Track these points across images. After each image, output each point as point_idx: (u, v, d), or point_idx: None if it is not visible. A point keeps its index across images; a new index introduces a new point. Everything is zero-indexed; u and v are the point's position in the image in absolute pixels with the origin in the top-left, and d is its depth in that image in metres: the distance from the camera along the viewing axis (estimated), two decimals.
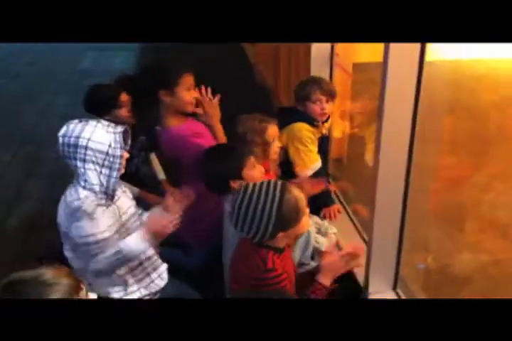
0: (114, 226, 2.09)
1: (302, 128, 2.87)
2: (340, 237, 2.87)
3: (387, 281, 2.50)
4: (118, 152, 2.01)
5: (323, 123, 2.95)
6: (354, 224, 3.06)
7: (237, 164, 2.31)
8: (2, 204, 3.56)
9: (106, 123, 2.04)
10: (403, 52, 1.96)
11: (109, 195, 2.07)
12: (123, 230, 2.14)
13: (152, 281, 2.27)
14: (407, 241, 2.41)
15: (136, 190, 2.76)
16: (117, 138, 2.01)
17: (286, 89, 4.20)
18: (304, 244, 2.59)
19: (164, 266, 2.32)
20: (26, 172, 4.01)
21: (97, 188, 2.01)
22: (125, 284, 2.20)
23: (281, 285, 1.90)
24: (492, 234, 2.92)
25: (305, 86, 2.90)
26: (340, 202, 3.23)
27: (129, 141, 2.11)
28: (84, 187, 2.00)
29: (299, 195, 1.91)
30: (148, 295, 2.26)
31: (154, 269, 2.28)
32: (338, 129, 3.46)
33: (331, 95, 2.87)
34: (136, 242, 2.06)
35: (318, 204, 2.94)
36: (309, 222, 2.08)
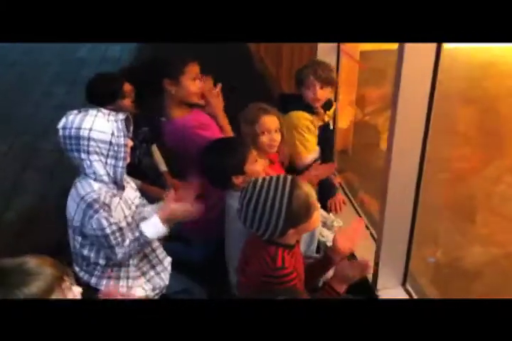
0: (129, 216, 2.08)
1: (300, 116, 2.79)
2: None
3: (396, 277, 2.45)
4: (122, 140, 1.96)
5: (325, 110, 2.85)
6: (360, 217, 2.99)
7: (238, 159, 2.25)
8: None
9: (106, 111, 1.99)
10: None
11: (119, 185, 2.04)
12: (133, 221, 2.11)
13: (157, 274, 2.24)
14: (416, 235, 2.35)
15: (138, 182, 2.70)
16: (120, 126, 1.96)
17: (289, 78, 4.11)
18: (309, 238, 2.53)
19: (169, 260, 2.30)
20: (23, 164, 3.91)
21: (106, 179, 1.98)
22: (131, 277, 2.17)
23: (291, 284, 1.85)
24: (503, 226, 2.87)
25: (302, 70, 2.80)
26: (346, 195, 3.17)
27: (131, 128, 2.06)
28: (95, 179, 1.97)
29: (309, 190, 1.85)
30: (153, 290, 2.23)
31: (160, 261, 2.25)
32: (344, 119, 3.38)
33: (326, 81, 2.74)
34: (155, 225, 2.05)
35: (322, 194, 2.85)
36: (319, 218, 2.02)
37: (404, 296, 2.41)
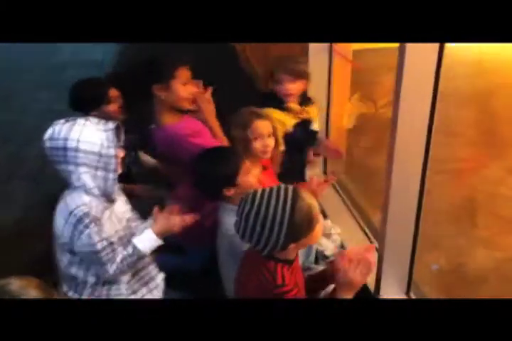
0: (120, 230, 1.99)
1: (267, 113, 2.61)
2: (344, 238, 2.72)
3: (399, 285, 2.36)
4: (112, 151, 1.87)
5: (302, 106, 2.72)
6: (358, 223, 2.91)
7: (230, 170, 2.13)
8: None
9: (95, 120, 1.89)
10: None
11: (110, 198, 1.95)
12: (124, 235, 2.03)
13: (150, 291, 2.16)
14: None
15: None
16: (110, 136, 1.87)
17: None
18: (307, 248, 2.46)
19: (161, 276, 2.21)
20: (7, 173, 3.79)
21: (96, 192, 1.89)
22: (122, 295, 2.08)
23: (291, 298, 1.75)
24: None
25: (273, 65, 2.70)
26: (342, 199, 3.08)
27: (122, 138, 1.96)
28: (85, 192, 1.88)
29: (311, 202, 1.74)
30: None
31: (152, 278, 2.17)
32: (337, 120, 3.28)
33: (296, 74, 2.61)
34: (150, 239, 1.99)
35: (302, 145, 2.72)
36: (321, 230, 1.91)
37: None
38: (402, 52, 1.84)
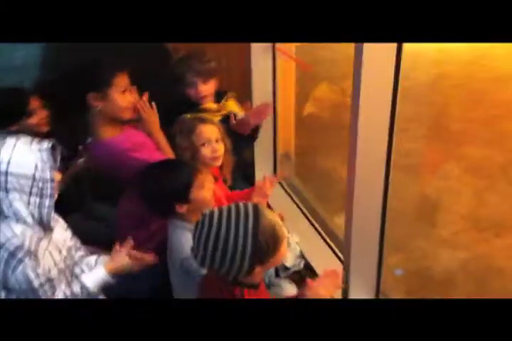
0: (60, 262, 1.79)
1: None
2: (303, 247, 2.58)
3: (367, 293, 2.26)
4: (47, 174, 1.67)
5: (219, 102, 2.59)
6: (316, 229, 2.78)
7: (181, 185, 1.96)
8: None
9: (28, 139, 1.69)
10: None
11: (45, 227, 1.74)
12: (65, 267, 1.83)
13: None
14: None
15: None
16: (44, 157, 1.67)
17: None
18: None
19: None
20: None
21: (29, 221, 1.69)
22: None
23: None
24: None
25: (176, 67, 2.54)
26: (297, 205, 2.95)
27: (59, 158, 1.76)
28: (17, 221, 1.68)
29: (275, 219, 1.60)
30: None
31: None
32: (284, 119, 3.15)
33: (207, 74, 2.49)
34: (102, 278, 1.85)
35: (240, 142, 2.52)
36: (287, 248, 1.77)
37: None
38: (358, 52, 1.76)
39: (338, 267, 2.26)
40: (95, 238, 2.22)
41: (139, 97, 2.22)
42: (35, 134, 1.78)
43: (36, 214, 1.68)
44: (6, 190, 1.63)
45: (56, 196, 1.74)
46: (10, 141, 1.66)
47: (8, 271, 1.66)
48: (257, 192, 2.20)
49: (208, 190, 2.00)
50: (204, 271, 1.76)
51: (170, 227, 2.04)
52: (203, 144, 2.21)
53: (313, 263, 2.53)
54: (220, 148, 2.24)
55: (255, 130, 2.59)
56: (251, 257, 1.52)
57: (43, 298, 1.70)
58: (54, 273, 1.74)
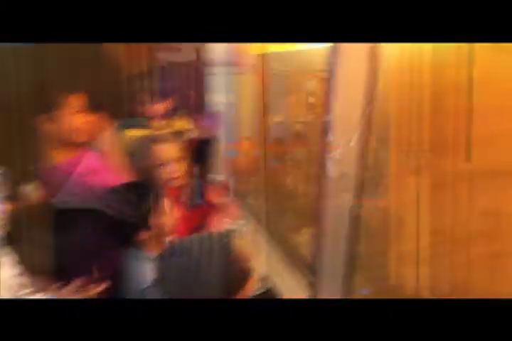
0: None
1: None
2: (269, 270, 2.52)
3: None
4: None
5: (169, 118, 2.60)
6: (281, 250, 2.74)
7: (142, 211, 1.88)
8: None
9: None
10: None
11: None
12: None
13: None
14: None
15: None
16: None
17: None
18: None
19: None
20: None
21: None
22: None
23: None
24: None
25: (130, 84, 2.55)
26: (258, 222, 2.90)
27: (7, 187, 1.72)
28: None
29: (244, 248, 1.53)
30: None
31: None
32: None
33: (162, 93, 2.54)
34: None
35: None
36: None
37: None
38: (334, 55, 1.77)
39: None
40: (43, 268, 2.12)
41: (94, 118, 2.12)
42: None
43: None
44: None
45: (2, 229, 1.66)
46: None
47: None
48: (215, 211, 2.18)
49: (171, 217, 1.93)
50: None
51: (126, 258, 1.93)
52: (161, 165, 2.14)
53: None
54: (180, 167, 2.18)
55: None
56: (220, 292, 1.45)
57: None
58: None
